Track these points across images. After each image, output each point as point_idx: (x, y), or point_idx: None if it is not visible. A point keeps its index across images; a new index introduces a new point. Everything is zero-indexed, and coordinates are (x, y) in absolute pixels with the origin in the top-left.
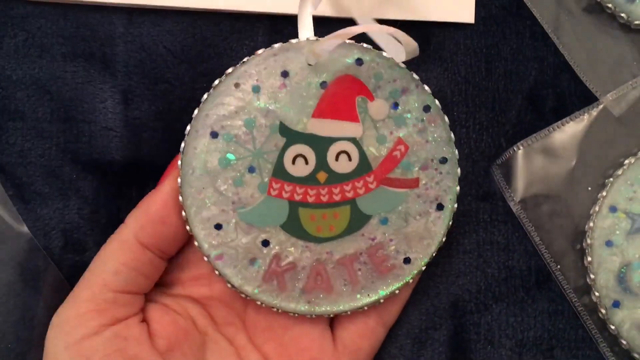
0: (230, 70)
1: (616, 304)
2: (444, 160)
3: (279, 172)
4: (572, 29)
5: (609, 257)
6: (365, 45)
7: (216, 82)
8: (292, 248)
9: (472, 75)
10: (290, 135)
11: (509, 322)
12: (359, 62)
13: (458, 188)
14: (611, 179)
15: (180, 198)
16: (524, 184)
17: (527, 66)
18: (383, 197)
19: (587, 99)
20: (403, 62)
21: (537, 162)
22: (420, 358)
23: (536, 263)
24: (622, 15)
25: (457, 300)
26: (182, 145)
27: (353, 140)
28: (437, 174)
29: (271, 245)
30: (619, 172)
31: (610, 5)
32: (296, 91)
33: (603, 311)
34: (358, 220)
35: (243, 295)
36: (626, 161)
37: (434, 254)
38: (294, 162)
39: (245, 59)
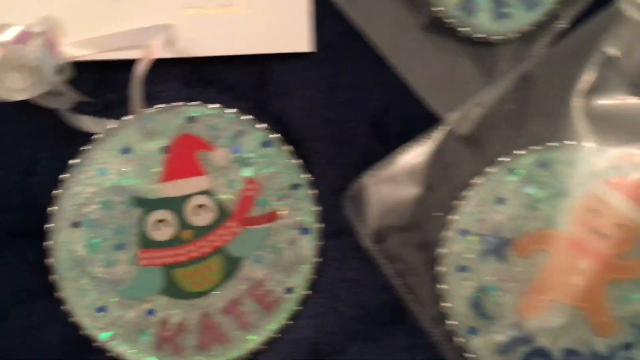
0: (75, 161)
1: (473, 331)
2: (295, 187)
3: (145, 242)
4: (411, 50)
5: (463, 283)
6: (194, 103)
7: (64, 175)
8: (177, 310)
9: (314, 107)
10: (146, 205)
11: None
12: (190, 119)
13: (316, 208)
14: (460, 202)
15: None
16: (375, 216)
17: (371, 92)
18: (249, 238)
19: (433, 120)
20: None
21: (386, 192)
22: None
23: (391, 297)
24: (463, 29)
25: (314, 344)
26: (47, 242)
27: (206, 193)
28: (292, 201)
29: (156, 313)
30: (467, 193)
31: (449, 20)
32: (140, 163)
33: (461, 339)
34: (232, 266)
35: None
36: (475, 182)
37: (312, 278)
38: (156, 228)
39: (84, 148)
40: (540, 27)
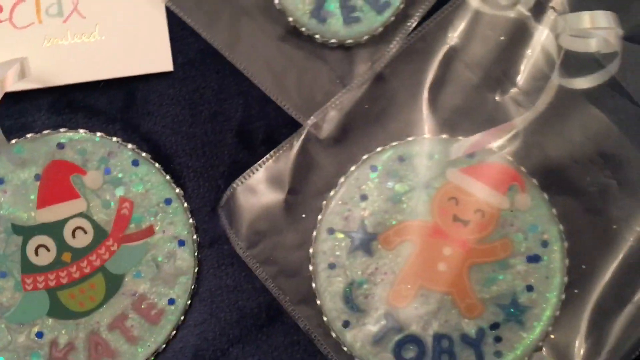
0: None
1: (346, 324)
2: (168, 201)
3: (27, 267)
4: (268, 60)
5: (333, 279)
6: (61, 130)
7: None
8: (64, 330)
9: (178, 124)
10: (25, 232)
11: None
12: (60, 145)
13: (191, 220)
14: (325, 202)
15: None
16: (246, 222)
17: (232, 104)
18: (128, 254)
19: (295, 126)
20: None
21: (255, 198)
22: None
23: (265, 299)
24: (317, 36)
25: (197, 351)
26: None
27: (82, 215)
28: (167, 215)
29: (45, 335)
30: (332, 193)
31: (304, 29)
32: (16, 192)
33: (334, 334)
34: (114, 283)
35: None
36: (338, 181)
37: (192, 287)
38: (37, 253)
39: None
40: (391, 27)
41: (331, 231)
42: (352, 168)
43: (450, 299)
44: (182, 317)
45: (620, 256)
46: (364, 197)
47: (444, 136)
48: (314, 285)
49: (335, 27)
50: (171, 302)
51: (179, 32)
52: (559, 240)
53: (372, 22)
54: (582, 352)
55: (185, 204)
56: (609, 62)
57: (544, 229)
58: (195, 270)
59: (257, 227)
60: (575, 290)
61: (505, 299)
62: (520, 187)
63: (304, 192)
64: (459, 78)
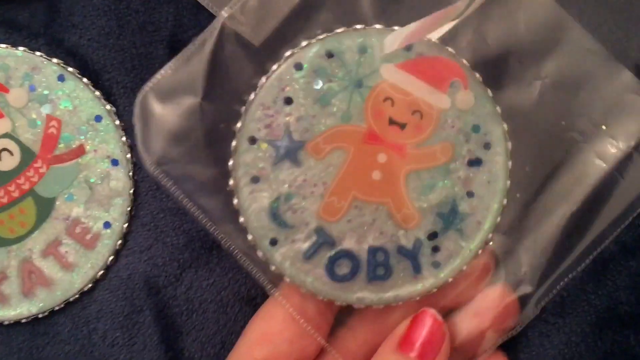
0: None
1: (273, 242)
2: (99, 119)
3: None
4: None
5: (258, 195)
6: None
7: None
8: None
9: (105, 37)
10: None
11: (203, 287)
12: None
13: (125, 138)
14: (244, 107)
15: None
16: (155, 134)
17: (162, 12)
18: (58, 176)
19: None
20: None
21: (165, 107)
22: (134, 345)
23: None
24: None
25: (148, 277)
26: None
27: (7, 136)
28: (98, 133)
29: None
30: (251, 97)
31: None
32: None
33: (261, 253)
34: (45, 207)
35: None
36: (259, 82)
37: (129, 210)
38: None
39: None
40: None
41: (253, 140)
42: (274, 67)
43: (385, 210)
44: (120, 242)
45: (566, 154)
46: (288, 101)
47: (377, 26)
48: (235, 201)
49: None
50: (107, 225)
51: None
52: (502, 141)
53: None
54: (526, 260)
55: (117, 122)
56: None
57: (487, 129)
58: (131, 191)
59: (169, 140)
60: (517, 195)
61: (445, 206)
62: (462, 83)
63: (220, 97)
64: None
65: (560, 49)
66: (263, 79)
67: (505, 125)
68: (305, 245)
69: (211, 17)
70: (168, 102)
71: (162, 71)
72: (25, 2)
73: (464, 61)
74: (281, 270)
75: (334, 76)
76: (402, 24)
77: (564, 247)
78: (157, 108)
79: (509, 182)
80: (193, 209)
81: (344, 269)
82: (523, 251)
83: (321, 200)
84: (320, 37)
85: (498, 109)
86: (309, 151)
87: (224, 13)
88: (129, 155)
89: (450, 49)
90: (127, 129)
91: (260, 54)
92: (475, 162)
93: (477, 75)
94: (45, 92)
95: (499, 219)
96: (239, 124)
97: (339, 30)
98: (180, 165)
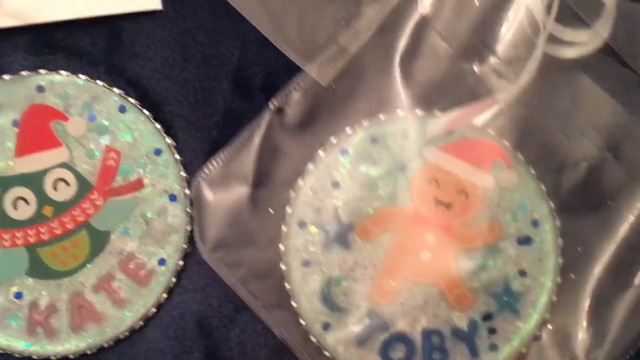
0: None
1: (326, 326)
2: (158, 152)
3: (5, 221)
4: None
5: (309, 278)
6: (41, 71)
7: None
8: (45, 291)
9: (169, 68)
10: (2, 183)
11: (257, 330)
12: (40, 89)
13: (183, 173)
14: (293, 193)
15: None
16: (209, 222)
17: (228, 46)
18: (114, 209)
19: (296, 71)
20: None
21: (217, 195)
22: None
23: None
24: None
25: (201, 318)
26: None
27: (64, 165)
28: (157, 167)
29: (24, 296)
30: (300, 182)
31: None
32: None
33: (314, 338)
34: (99, 240)
35: (17, 355)
36: (307, 168)
37: (185, 247)
38: (15, 207)
39: None
40: None
41: (303, 225)
42: (321, 153)
43: (437, 291)
44: (175, 279)
45: (618, 235)
46: (336, 185)
47: (419, 112)
48: (287, 285)
49: None
50: (162, 262)
51: None
52: (550, 218)
53: None
54: (583, 340)
55: (177, 156)
56: (599, 25)
57: (533, 207)
58: (188, 228)
59: (222, 227)
60: (572, 275)
61: (497, 286)
62: (504, 163)
63: (270, 184)
64: (432, 49)
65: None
66: (311, 165)
67: (551, 203)
68: (358, 328)
69: (277, 53)
70: (220, 190)
71: (214, 161)
72: (87, 29)
73: (505, 142)
74: (335, 355)
75: (379, 160)
76: (441, 107)
77: (625, 327)
78: (210, 197)
79: (561, 260)
80: (246, 294)
81: (398, 353)
82: (581, 331)
83: (372, 282)
84: (364, 124)
85: (543, 187)
86: (357, 234)
87: (271, 106)
88: (187, 191)
89: (490, 131)
90: (186, 163)
91: (307, 142)
92: (524, 240)
93: (519, 155)
94: (105, 122)
95: (554, 297)
96: (289, 209)
97: (381, 117)
98: (234, 251)
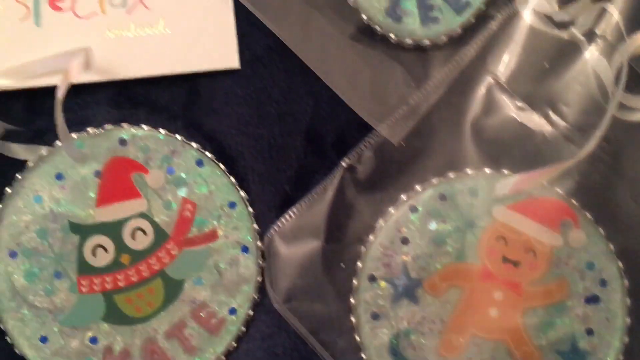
0: (8, 189)
1: None
2: (232, 205)
3: (84, 268)
4: (340, 60)
5: (379, 331)
6: (123, 125)
7: None
8: (120, 336)
9: (244, 124)
10: (83, 231)
11: None
12: (122, 142)
13: (256, 226)
14: (364, 248)
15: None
16: (282, 274)
17: (301, 104)
18: (189, 259)
19: (367, 130)
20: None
21: (290, 248)
22: None
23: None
24: (392, 35)
25: None
26: None
27: (142, 215)
28: (231, 219)
29: (99, 341)
30: (371, 238)
31: (378, 27)
32: (75, 188)
33: None
34: (173, 289)
35: None
36: (377, 224)
37: (255, 297)
38: (94, 254)
39: (18, 176)
40: (470, 29)
41: (372, 279)
42: (391, 210)
43: (505, 347)
44: (244, 329)
45: None
46: (405, 241)
47: (487, 171)
48: (357, 338)
49: (412, 27)
50: (232, 311)
51: (246, 26)
52: (618, 278)
53: (450, 22)
54: None
55: (250, 209)
56: None
57: (601, 266)
58: (259, 278)
59: (294, 279)
60: None
61: (564, 344)
62: (573, 222)
63: (341, 239)
64: (502, 110)
65: None
66: (381, 222)
67: (620, 263)
68: None
69: (349, 112)
70: (292, 243)
71: (286, 215)
72: (167, 84)
73: (573, 201)
74: None
75: (448, 217)
76: (509, 167)
77: None
78: (283, 249)
79: (628, 320)
80: (317, 345)
81: None
82: None
83: (440, 337)
84: (434, 181)
85: (612, 246)
86: (426, 289)
87: (343, 164)
88: (259, 243)
89: (559, 190)
90: (259, 216)
91: (377, 198)
92: (592, 299)
93: (588, 214)
94: (183, 175)
95: (621, 357)
96: (359, 264)
97: (450, 175)
98: (305, 302)
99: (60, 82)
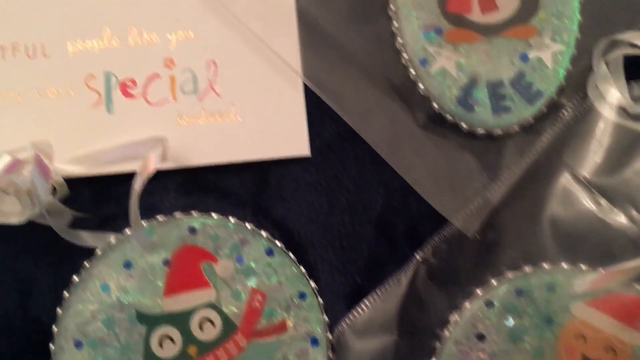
0: (75, 278)
1: None
2: (302, 296)
3: (150, 359)
4: (411, 148)
5: None
6: (193, 213)
7: (65, 293)
8: None
9: (315, 213)
10: (150, 321)
11: None
12: (192, 230)
13: (325, 317)
14: (438, 343)
15: None
16: None
17: (372, 193)
18: (258, 351)
19: (439, 220)
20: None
21: (362, 342)
22: None
23: None
24: (463, 125)
25: None
26: None
27: (211, 306)
28: (301, 310)
29: None
30: (446, 333)
31: (449, 116)
32: (143, 277)
33: None
34: None
35: None
36: (451, 318)
37: None
38: (161, 345)
39: (85, 264)
40: (543, 118)
41: None
42: (466, 304)
43: None
44: None
45: None
46: (481, 337)
47: (565, 266)
48: None
49: (484, 117)
50: None
51: (316, 113)
52: None
53: (522, 112)
54: None
55: (320, 299)
56: None
57: None
58: None
59: None
60: None
61: None
62: None
63: (414, 334)
64: (580, 204)
65: None
66: (456, 316)
67: None
68: None
69: (421, 201)
70: (364, 337)
71: (358, 308)
72: (236, 170)
73: None
74: None
75: (525, 313)
76: (587, 261)
77: None
78: (354, 343)
79: None
80: None
81: None
82: None
83: None
84: (510, 276)
85: None
86: None
87: (417, 256)
88: (328, 335)
89: (638, 287)
90: (328, 307)
91: (451, 292)
92: None
93: None
94: (253, 264)
95: None
96: None
97: (527, 269)
98: None
99: (138, 174)
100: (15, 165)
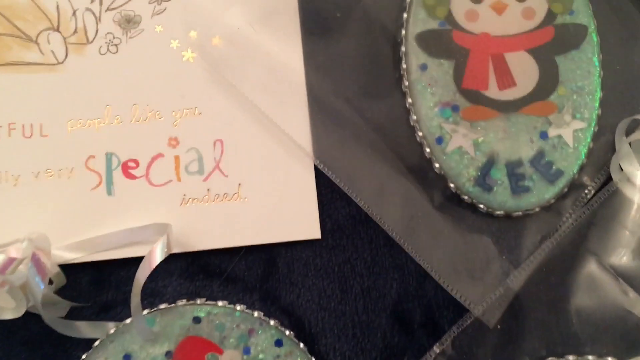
0: None
1: None
2: None
3: None
4: (427, 231)
5: None
6: (198, 300)
7: None
8: None
9: (326, 299)
10: None
11: None
12: (196, 320)
13: None
14: None
15: None
16: None
17: (387, 278)
18: None
19: (457, 307)
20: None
21: None
22: None
23: None
24: (481, 205)
25: None
26: None
27: None
28: None
29: None
30: None
31: (466, 197)
32: None
33: None
34: None
35: None
36: None
37: None
38: None
39: (84, 356)
40: (564, 197)
41: None
42: None
43: None
44: None
45: None
46: None
47: (590, 358)
48: None
49: (502, 197)
50: None
51: (327, 194)
52: None
53: (543, 192)
54: None
55: None
56: None
57: None
58: None
59: None
60: None
61: None
62: None
63: None
64: (606, 293)
65: None
66: None
67: None
68: None
69: (437, 287)
70: None
71: None
72: (243, 254)
73: None
74: None
75: None
76: (612, 351)
77: None
78: None
79: None
80: None
81: None
82: None
83: None
84: None
85: None
86: None
87: (436, 349)
88: None
89: None
90: None
91: None
92: None
93: None
94: (261, 356)
95: None
96: None
97: None
98: None
99: (143, 266)
100: (8, 264)
